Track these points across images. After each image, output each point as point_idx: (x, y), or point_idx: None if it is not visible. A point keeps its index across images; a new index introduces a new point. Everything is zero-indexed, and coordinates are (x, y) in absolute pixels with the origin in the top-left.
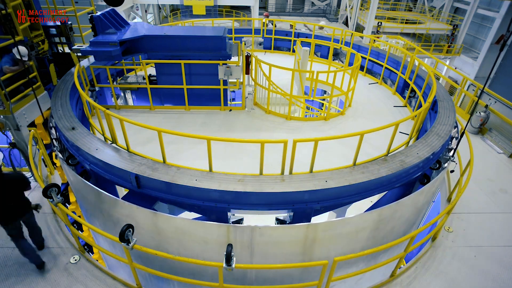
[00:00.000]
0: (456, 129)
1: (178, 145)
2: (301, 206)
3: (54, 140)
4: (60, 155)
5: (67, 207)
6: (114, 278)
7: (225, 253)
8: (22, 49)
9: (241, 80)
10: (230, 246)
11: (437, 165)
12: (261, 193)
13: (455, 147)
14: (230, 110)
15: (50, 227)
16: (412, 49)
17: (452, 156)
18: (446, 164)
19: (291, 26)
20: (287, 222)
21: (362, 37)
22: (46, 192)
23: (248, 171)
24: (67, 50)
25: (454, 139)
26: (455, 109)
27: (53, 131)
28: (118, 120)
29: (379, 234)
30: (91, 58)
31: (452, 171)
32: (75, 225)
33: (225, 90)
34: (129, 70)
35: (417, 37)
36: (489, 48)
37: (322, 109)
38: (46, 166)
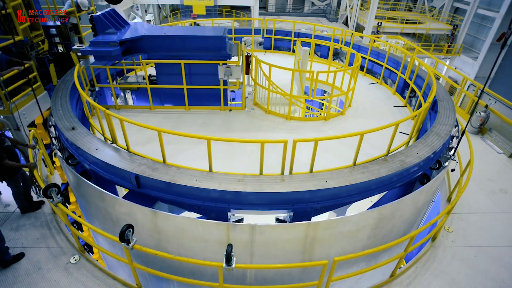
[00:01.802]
0: (456, 128)
1: (178, 145)
2: (301, 206)
3: (53, 139)
4: (59, 153)
5: (67, 207)
6: (114, 278)
7: (225, 253)
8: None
9: (241, 80)
10: (230, 246)
11: (437, 165)
12: (261, 193)
13: (455, 146)
14: (230, 110)
15: (50, 227)
16: (412, 49)
17: (453, 155)
18: (447, 163)
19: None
20: (287, 222)
21: (362, 37)
22: (46, 192)
23: (248, 171)
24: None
25: (455, 138)
26: (455, 109)
27: (52, 129)
28: (118, 120)
29: (380, 233)
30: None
31: (453, 170)
32: (75, 225)
33: (225, 90)
34: (129, 70)
35: (417, 37)
36: (489, 48)
37: (322, 109)
38: (46, 166)
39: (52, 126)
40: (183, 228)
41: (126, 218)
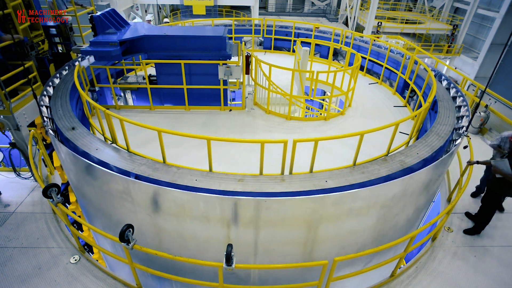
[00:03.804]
0: (465, 108)
1: (179, 147)
2: None
3: (44, 118)
4: (51, 132)
5: (67, 207)
6: (114, 278)
7: (225, 253)
8: None
9: (241, 80)
10: (230, 246)
11: None
12: (261, 193)
13: (467, 124)
14: (230, 110)
15: (50, 227)
16: (412, 49)
17: (466, 131)
18: (459, 140)
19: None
20: None
21: (362, 37)
22: (46, 192)
23: (248, 171)
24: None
25: (465, 117)
26: (455, 109)
27: (44, 109)
28: (118, 120)
29: (391, 212)
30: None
31: (465, 147)
32: (75, 225)
33: (225, 90)
34: (129, 70)
35: (417, 37)
36: (489, 48)
37: (322, 109)
38: (46, 166)
39: (43, 106)
40: (184, 203)
41: (122, 195)
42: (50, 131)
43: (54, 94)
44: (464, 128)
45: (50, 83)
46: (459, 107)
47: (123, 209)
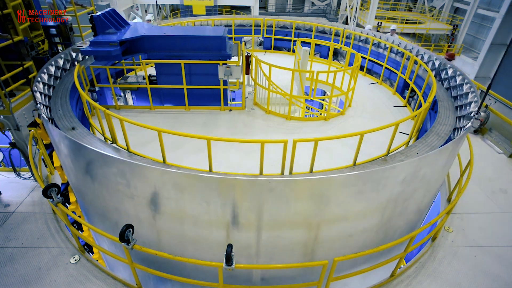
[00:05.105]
0: (473, 94)
1: (179, 147)
2: None
3: (37, 103)
4: (44, 116)
5: (67, 207)
6: (114, 278)
7: (225, 253)
8: None
9: (241, 80)
10: (230, 246)
11: None
12: None
13: (479, 106)
14: (230, 110)
15: (50, 227)
16: None
17: (477, 113)
18: (469, 123)
19: None
20: None
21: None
22: (46, 192)
23: (248, 171)
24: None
25: (473, 103)
26: (455, 109)
27: (37, 95)
28: (118, 120)
29: (401, 197)
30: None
31: (475, 132)
32: (75, 225)
33: (225, 90)
34: (129, 70)
35: (417, 37)
36: (489, 48)
37: (322, 109)
38: (46, 166)
39: (37, 92)
40: (182, 185)
41: (117, 179)
42: (43, 115)
43: (54, 94)
44: (474, 112)
45: (45, 70)
46: (467, 93)
47: (118, 193)
